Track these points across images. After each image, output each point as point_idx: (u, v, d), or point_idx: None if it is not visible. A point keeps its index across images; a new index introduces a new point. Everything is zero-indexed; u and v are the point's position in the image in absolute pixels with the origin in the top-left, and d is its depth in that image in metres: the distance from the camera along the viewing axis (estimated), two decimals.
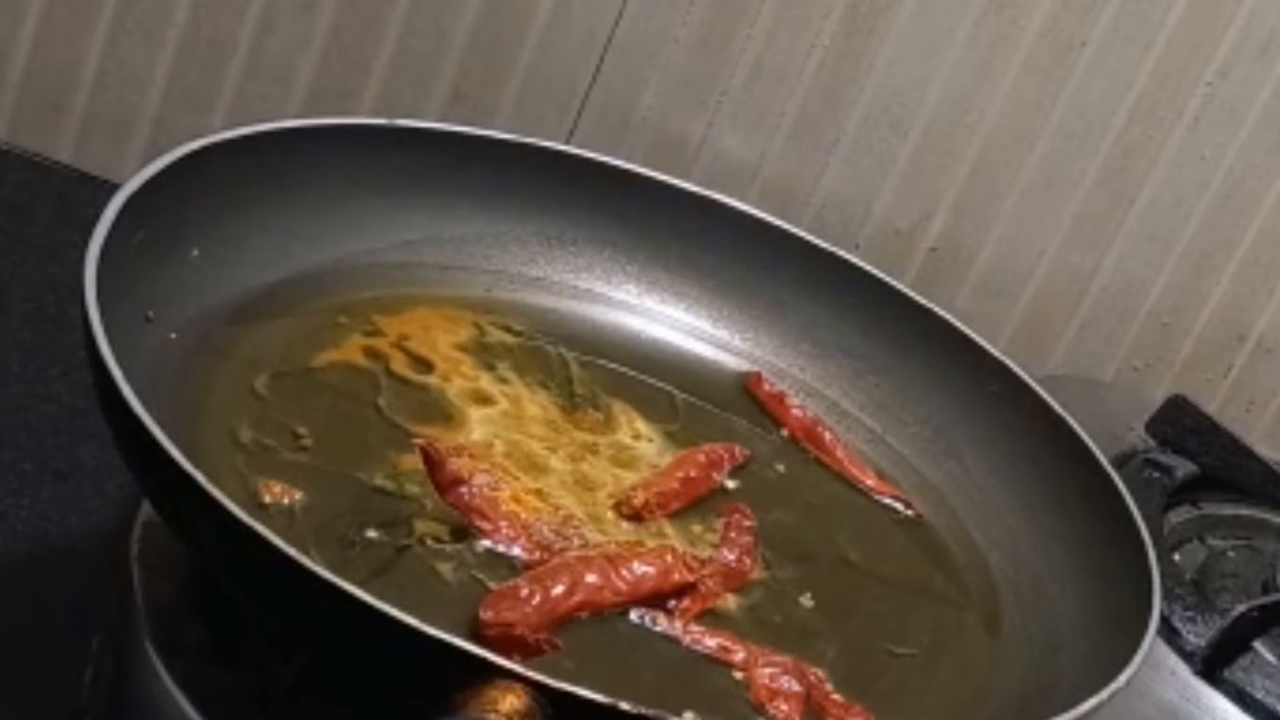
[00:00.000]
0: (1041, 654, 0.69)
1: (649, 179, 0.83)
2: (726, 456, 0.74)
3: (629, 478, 0.71)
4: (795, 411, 0.79)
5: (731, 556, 0.68)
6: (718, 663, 0.63)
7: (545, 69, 1.00)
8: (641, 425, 0.75)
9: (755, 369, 0.81)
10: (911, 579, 0.73)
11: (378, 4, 0.98)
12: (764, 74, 1.01)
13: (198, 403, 0.65)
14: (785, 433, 0.79)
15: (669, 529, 0.69)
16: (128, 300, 0.63)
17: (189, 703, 0.58)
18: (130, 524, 0.64)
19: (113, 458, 0.60)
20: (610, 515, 0.68)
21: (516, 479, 0.68)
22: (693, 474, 0.72)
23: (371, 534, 0.63)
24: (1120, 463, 0.87)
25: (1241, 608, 0.78)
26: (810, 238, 0.84)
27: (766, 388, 0.80)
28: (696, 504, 0.71)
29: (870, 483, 0.78)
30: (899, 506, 0.77)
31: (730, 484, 0.73)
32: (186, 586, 0.62)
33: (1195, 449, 0.91)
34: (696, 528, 0.70)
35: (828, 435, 0.79)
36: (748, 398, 0.80)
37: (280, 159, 0.73)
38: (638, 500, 0.69)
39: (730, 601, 0.67)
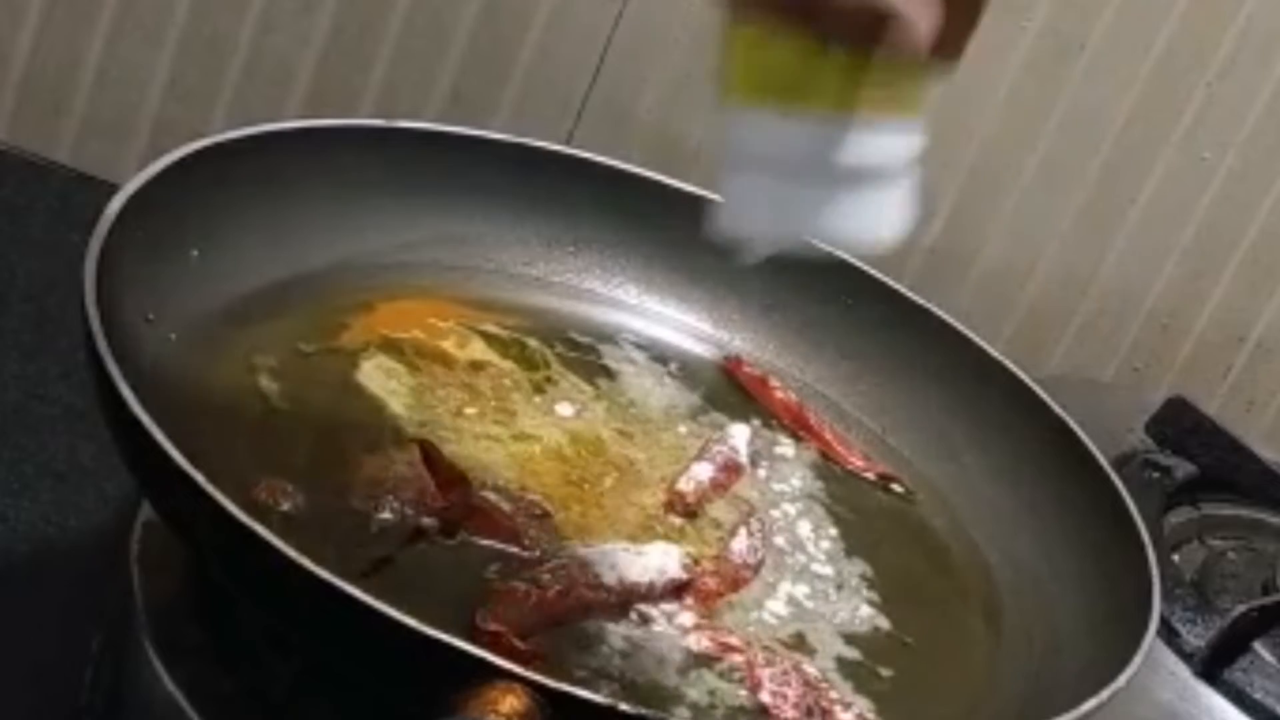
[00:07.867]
0: (1041, 654, 0.69)
1: (649, 179, 0.83)
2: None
3: (630, 477, 0.71)
4: (778, 394, 0.80)
5: (737, 556, 0.68)
6: (718, 663, 0.63)
7: (545, 69, 1.00)
8: (642, 424, 0.75)
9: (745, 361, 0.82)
10: (911, 579, 0.73)
11: (378, 4, 0.98)
12: None
13: (198, 403, 0.65)
14: (771, 421, 0.79)
15: (666, 528, 0.69)
16: (128, 300, 0.63)
17: (189, 703, 0.58)
18: (130, 524, 0.64)
19: (113, 458, 0.60)
20: (608, 513, 0.68)
21: (516, 480, 0.68)
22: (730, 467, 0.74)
23: (371, 533, 0.63)
24: (1120, 463, 0.87)
25: (1241, 608, 0.78)
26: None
27: (746, 369, 0.81)
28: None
29: (857, 462, 0.78)
30: (889, 484, 0.77)
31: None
32: (186, 586, 0.62)
33: (1195, 450, 0.91)
34: (703, 527, 0.70)
35: (812, 417, 0.79)
36: (727, 379, 0.80)
37: (280, 159, 0.73)
38: (690, 497, 0.70)
39: (731, 601, 0.67)
